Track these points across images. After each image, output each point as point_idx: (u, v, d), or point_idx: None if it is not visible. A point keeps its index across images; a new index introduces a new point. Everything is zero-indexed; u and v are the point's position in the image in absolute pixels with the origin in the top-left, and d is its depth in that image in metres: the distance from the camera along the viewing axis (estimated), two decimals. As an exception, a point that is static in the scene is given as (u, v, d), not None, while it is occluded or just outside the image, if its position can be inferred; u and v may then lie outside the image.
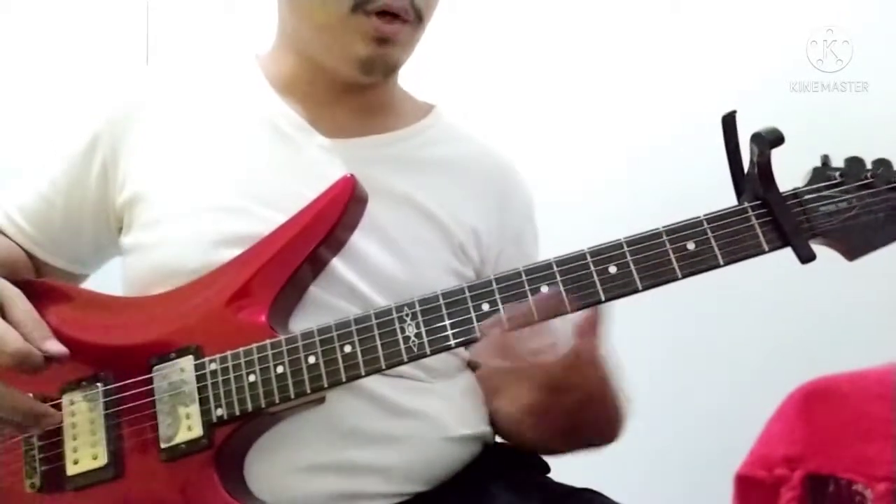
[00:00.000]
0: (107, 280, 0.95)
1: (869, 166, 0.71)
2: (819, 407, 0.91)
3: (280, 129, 0.89)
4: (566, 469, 0.92)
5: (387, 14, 0.83)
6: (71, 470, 0.77)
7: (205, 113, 0.90)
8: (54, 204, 0.92)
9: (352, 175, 0.82)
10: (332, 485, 0.79)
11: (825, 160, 0.72)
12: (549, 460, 0.93)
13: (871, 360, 0.95)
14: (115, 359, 0.79)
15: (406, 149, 0.92)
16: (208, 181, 0.86)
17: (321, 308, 0.81)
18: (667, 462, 1.60)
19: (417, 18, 0.86)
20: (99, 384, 0.78)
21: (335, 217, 0.80)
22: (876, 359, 0.95)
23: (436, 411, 0.85)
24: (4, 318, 0.73)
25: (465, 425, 0.87)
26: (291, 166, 0.87)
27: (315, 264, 0.81)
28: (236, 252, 0.81)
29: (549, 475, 0.92)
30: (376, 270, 0.84)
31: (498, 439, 0.94)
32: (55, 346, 0.73)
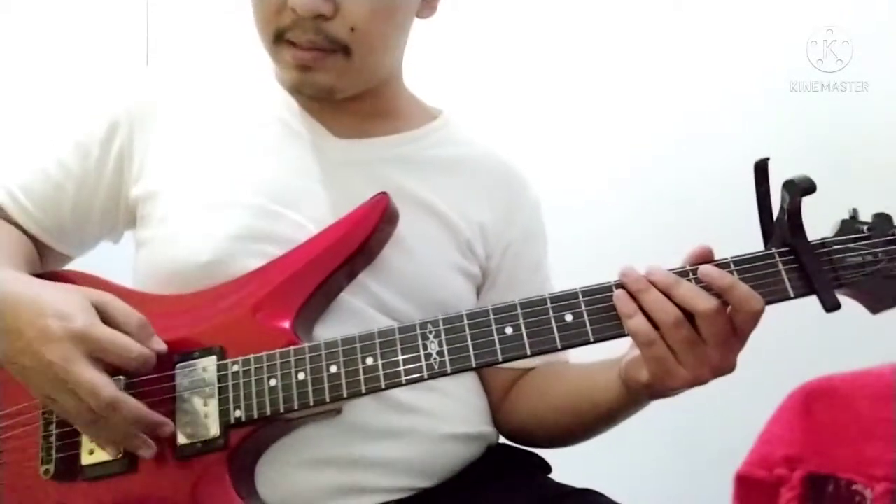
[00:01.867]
0: (115, 273, 0.95)
1: None
2: (819, 407, 0.91)
3: (293, 129, 0.90)
4: (566, 469, 0.92)
5: (298, 45, 0.83)
6: (85, 460, 0.77)
7: (220, 111, 0.91)
8: (65, 190, 0.91)
9: (385, 193, 0.83)
10: (334, 478, 0.79)
11: (853, 213, 0.73)
12: (550, 460, 0.94)
13: (871, 360, 0.95)
14: None
15: (415, 149, 0.93)
16: (223, 178, 0.87)
17: (332, 306, 0.82)
18: (667, 462, 1.60)
19: (343, 50, 0.84)
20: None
21: (366, 233, 0.81)
22: (876, 359, 0.95)
23: (438, 408, 0.85)
24: (108, 323, 0.74)
25: (467, 423, 0.88)
26: (304, 165, 0.88)
27: (344, 277, 0.82)
28: (249, 248, 0.82)
29: (550, 475, 0.92)
30: (384, 268, 0.85)
31: (501, 440, 0.95)
32: (160, 344, 0.76)
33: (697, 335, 0.70)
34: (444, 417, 0.85)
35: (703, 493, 1.19)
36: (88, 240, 0.96)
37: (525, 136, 1.64)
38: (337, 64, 0.85)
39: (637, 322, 0.70)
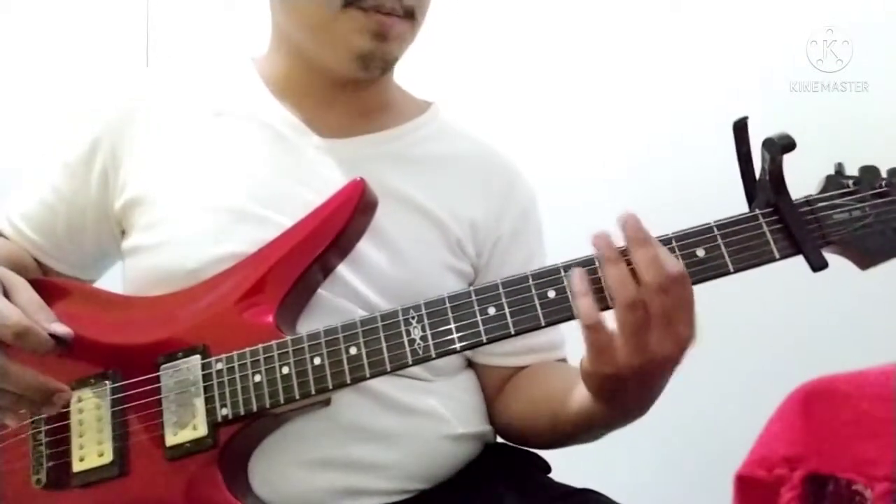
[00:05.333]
0: (107, 280, 0.96)
1: (884, 175, 0.71)
2: (819, 407, 0.91)
3: (276, 131, 0.89)
4: (566, 469, 0.92)
5: (378, 11, 0.83)
6: (77, 467, 0.77)
7: (202, 115, 0.90)
8: (57, 211, 0.92)
9: (361, 179, 0.82)
10: (332, 480, 0.79)
11: (839, 168, 0.72)
12: (550, 460, 0.94)
13: (871, 360, 0.95)
14: (123, 357, 0.80)
15: (402, 146, 0.92)
16: (205, 183, 0.86)
17: (321, 307, 0.82)
18: (667, 462, 1.60)
19: (409, 16, 0.85)
20: (107, 382, 0.78)
21: (343, 221, 0.80)
22: (876, 359, 0.95)
23: (437, 409, 0.85)
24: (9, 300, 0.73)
25: (466, 423, 0.88)
26: (288, 167, 0.87)
27: (323, 267, 0.82)
28: (234, 253, 0.82)
29: (550, 475, 0.92)
30: (374, 270, 0.84)
31: (499, 439, 0.95)
32: (61, 328, 0.75)
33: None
34: (443, 418, 0.85)
35: (703, 493, 1.19)
36: (91, 259, 0.96)
37: (523, 135, 1.63)
38: (405, 32, 0.86)
39: (621, 271, 0.67)
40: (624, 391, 0.71)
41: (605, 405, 0.75)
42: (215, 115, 0.90)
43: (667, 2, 1.71)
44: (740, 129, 0.71)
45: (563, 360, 0.96)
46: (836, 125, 1.57)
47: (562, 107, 1.74)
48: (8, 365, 0.71)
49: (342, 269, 0.83)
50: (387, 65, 0.88)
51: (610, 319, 0.69)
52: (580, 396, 0.78)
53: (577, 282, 0.69)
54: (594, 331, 0.68)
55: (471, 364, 0.94)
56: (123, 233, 0.91)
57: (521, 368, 0.93)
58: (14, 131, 1.77)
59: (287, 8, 0.88)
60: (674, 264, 0.67)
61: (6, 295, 0.74)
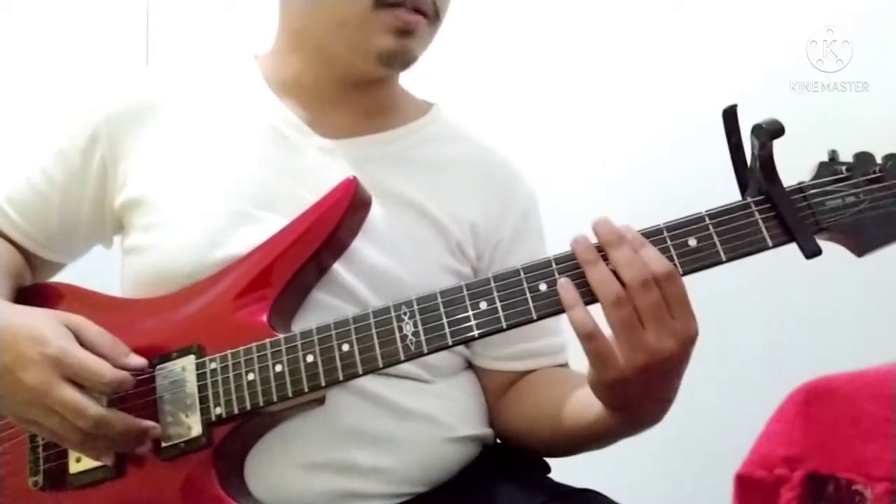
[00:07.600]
0: (105, 282, 0.95)
1: (879, 161, 0.70)
2: (819, 407, 0.91)
3: (278, 131, 0.89)
4: (566, 469, 0.92)
5: (405, 7, 0.83)
6: (73, 468, 0.78)
7: (204, 115, 0.90)
8: (51, 200, 0.91)
9: (354, 177, 0.82)
10: (330, 484, 0.79)
11: (832, 155, 0.71)
12: (550, 461, 0.94)
13: (871, 360, 0.95)
14: None
15: (404, 147, 0.92)
16: (207, 185, 0.86)
17: (320, 309, 0.82)
18: (667, 462, 1.59)
19: (435, 15, 0.86)
20: None
21: (336, 220, 0.80)
22: (876, 359, 0.95)
23: (437, 412, 0.85)
24: (81, 345, 0.74)
25: (467, 425, 0.88)
26: (289, 169, 0.87)
27: (318, 267, 0.82)
28: (233, 256, 0.82)
29: (550, 475, 0.92)
30: (373, 271, 0.84)
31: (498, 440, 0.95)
32: (136, 360, 0.76)
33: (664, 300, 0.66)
34: (443, 421, 0.85)
35: (702, 492, 1.19)
36: (78, 247, 0.96)
37: (523, 135, 1.63)
38: (427, 31, 0.87)
39: (601, 271, 0.67)
40: (633, 396, 0.71)
41: (618, 415, 0.75)
42: (217, 116, 0.90)
43: (667, 2, 1.71)
44: (730, 117, 0.70)
45: (566, 365, 0.95)
46: (836, 125, 1.57)
47: (562, 107, 1.74)
48: (106, 416, 0.73)
49: (341, 271, 0.83)
50: (408, 63, 0.88)
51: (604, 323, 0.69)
52: (592, 408, 0.77)
53: (566, 293, 0.69)
54: (591, 339, 0.68)
55: (471, 366, 0.94)
56: (122, 229, 0.91)
57: (524, 373, 0.93)
58: (14, 132, 1.77)
59: (309, 4, 0.88)
60: (657, 261, 0.67)
61: (78, 340, 0.75)
